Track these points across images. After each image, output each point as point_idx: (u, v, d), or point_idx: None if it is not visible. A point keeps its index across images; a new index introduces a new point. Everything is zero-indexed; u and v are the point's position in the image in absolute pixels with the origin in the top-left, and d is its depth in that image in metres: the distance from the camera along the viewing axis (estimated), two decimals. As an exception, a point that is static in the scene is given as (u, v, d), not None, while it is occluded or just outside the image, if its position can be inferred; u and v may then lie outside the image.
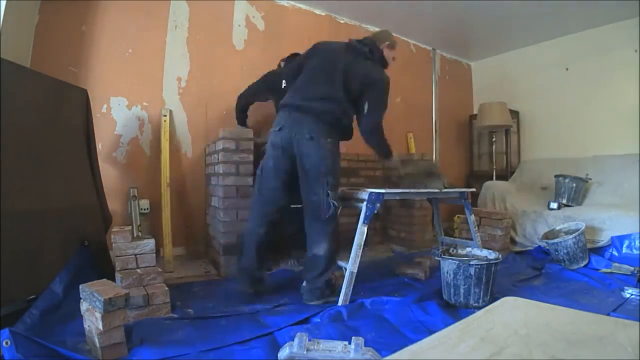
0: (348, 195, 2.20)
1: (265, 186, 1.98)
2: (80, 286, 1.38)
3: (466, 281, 1.84)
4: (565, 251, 2.65)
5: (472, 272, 1.83)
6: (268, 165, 1.97)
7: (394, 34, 4.28)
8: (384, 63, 2.12)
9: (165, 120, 2.76)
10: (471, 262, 1.85)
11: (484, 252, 2.13)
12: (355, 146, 3.58)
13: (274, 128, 1.97)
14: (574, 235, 2.65)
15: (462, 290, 1.86)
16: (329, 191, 1.86)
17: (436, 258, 1.98)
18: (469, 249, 2.19)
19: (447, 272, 1.90)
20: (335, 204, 1.89)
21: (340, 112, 1.91)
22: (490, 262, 1.88)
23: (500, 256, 1.98)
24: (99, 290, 1.29)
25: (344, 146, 2.10)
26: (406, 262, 2.71)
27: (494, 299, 1.81)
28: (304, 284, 1.96)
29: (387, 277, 2.43)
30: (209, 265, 2.65)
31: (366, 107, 1.93)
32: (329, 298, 1.92)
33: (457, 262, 1.86)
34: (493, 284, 1.89)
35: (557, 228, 2.93)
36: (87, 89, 2.27)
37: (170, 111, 2.84)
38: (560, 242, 2.67)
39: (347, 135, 2.04)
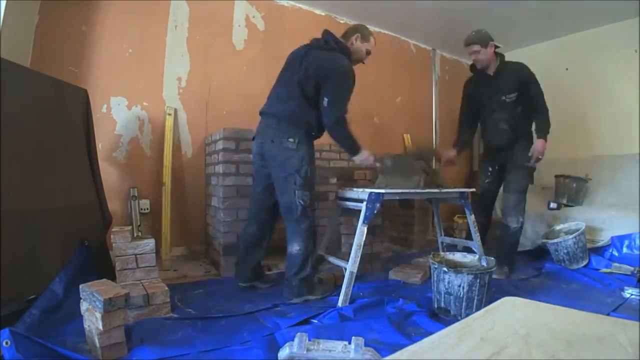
0: (347, 195, 2.20)
1: (253, 191, 2.20)
2: (80, 286, 1.38)
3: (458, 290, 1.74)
4: (565, 251, 2.65)
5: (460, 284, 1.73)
6: (253, 171, 2.19)
7: (393, 34, 4.29)
8: (348, 54, 2.06)
9: (169, 120, 2.76)
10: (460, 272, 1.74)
11: (470, 257, 2.01)
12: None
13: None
14: (574, 235, 2.65)
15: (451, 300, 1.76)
16: (296, 190, 1.90)
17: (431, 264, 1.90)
18: (462, 255, 2.06)
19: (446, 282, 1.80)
20: (302, 202, 1.91)
21: (301, 110, 1.93)
22: (480, 271, 1.75)
23: (494, 264, 1.87)
24: (99, 290, 1.29)
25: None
26: (406, 263, 2.71)
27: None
28: (284, 282, 2.01)
29: (387, 277, 2.43)
30: (209, 265, 2.65)
31: (325, 100, 1.91)
32: (307, 296, 1.95)
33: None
34: (486, 295, 1.76)
35: (557, 228, 2.93)
36: (87, 89, 2.27)
37: (175, 109, 2.84)
38: (561, 242, 2.67)
39: (316, 131, 2.03)
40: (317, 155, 3.30)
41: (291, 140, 1.91)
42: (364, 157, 2.11)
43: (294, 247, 1.94)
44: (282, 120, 1.94)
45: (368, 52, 2.18)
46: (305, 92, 1.93)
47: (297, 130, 1.93)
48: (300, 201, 1.90)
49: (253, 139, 2.09)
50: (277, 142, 1.92)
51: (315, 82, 1.92)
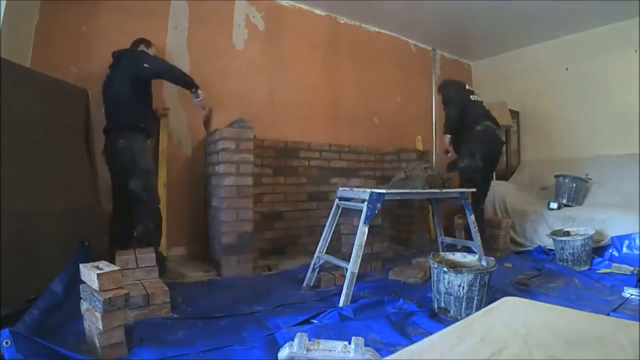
0: (348, 196, 2.20)
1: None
2: (81, 286, 1.38)
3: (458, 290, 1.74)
4: (571, 251, 2.65)
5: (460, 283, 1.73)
6: None
7: (393, 34, 4.29)
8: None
9: (164, 122, 2.75)
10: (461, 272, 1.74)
11: (470, 257, 2.01)
12: (355, 147, 3.59)
13: None
14: (583, 237, 2.65)
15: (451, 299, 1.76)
16: (129, 181, 2.20)
17: (431, 264, 1.90)
18: (462, 255, 2.05)
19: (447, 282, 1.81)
20: (135, 189, 2.20)
21: (121, 107, 2.23)
22: (479, 272, 1.74)
23: (494, 264, 1.86)
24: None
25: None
26: (406, 263, 2.71)
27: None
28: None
29: (387, 277, 2.43)
30: (209, 265, 2.65)
31: (145, 64, 2.23)
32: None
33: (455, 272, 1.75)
34: (486, 295, 1.77)
35: (566, 229, 2.93)
36: (87, 89, 2.27)
37: (169, 111, 2.84)
38: (569, 241, 2.67)
39: (141, 120, 2.30)
40: (317, 155, 3.32)
41: (121, 141, 2.20)
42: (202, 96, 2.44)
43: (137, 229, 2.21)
44: (116, 126, 2.26)
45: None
46: (122, 93, 2.24)
47: (127, 130, 2.24)
48: (134, 189, 2.20)
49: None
50: (114, 144, 2.23)
51: (131, 72, 2.25)
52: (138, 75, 2.25)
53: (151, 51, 2.46)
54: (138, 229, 2.22)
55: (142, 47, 2.44)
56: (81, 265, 1.36)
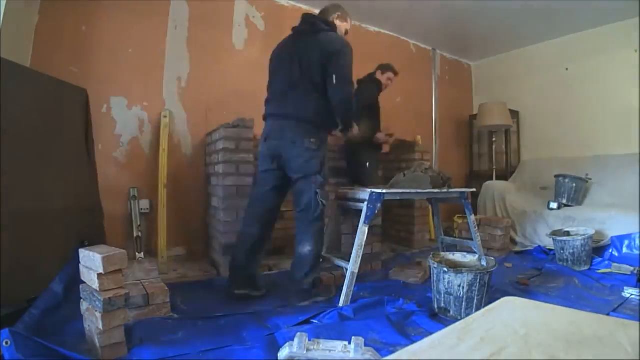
0: (348, 195, 2.20)
1: (257, 190, 2.10)
2: (81, 286, 1.38)
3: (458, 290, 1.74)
4: (571, 251, 2.65)
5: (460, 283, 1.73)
6: (259, 172, 2.11)
7: (393, 34, 4.29)
8: (334, 31, 2.05)
9: (165, 123, 2.76)
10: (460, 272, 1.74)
11: (470, 257, 2.01)
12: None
13: (261, 138, 2.09)
14: (583, 237, 2.65)
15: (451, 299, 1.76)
16: (317, 190, 1.91)
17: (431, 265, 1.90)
18: (462, 255, 2.05)
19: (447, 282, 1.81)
20: (325, 202, 1.95)
21: (317, 107, 1.91)
22: (479, 272, 1.74)
23: (494, 264, 1.86)
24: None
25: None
26: (406, 263, 2.71)
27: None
28: (293, 284, 2.00)
29: (387, 277, 2.43)
30: (208, 265, 2.65)
31: (333, 78, 1.88)
32: (317, 297, 1.96)
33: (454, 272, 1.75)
34: (486, 295, 1.77)
35: (566, 229, 2.93)
36: (87, 89, 2.28)
37: (170, 112, 2.84)
38: (569, 240, 2.67)
39: (331, 122, 2.01)
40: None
41: (313, 140, 1.90)
42: (356, 131, 2.18)
43: (306, 248, 1.93)
44: (301, 121, 1.91)
45: (346, 32, 2.15)
46: (313, 83, 1.89)
47: (317, 130, 1.94)
48: (322, 201, 1.92)
49: (265, 140, 2.03)
50: (300, 142, 1.89)
51: (321, 66, 1.88)
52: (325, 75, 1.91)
53: (345, 26, 2.15)
54: (306, 247, 1.95)
55: (335, 17, 2.10)
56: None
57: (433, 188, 2.26)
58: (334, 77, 1.88)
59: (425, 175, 2.30)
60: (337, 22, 2.09)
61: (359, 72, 3.94)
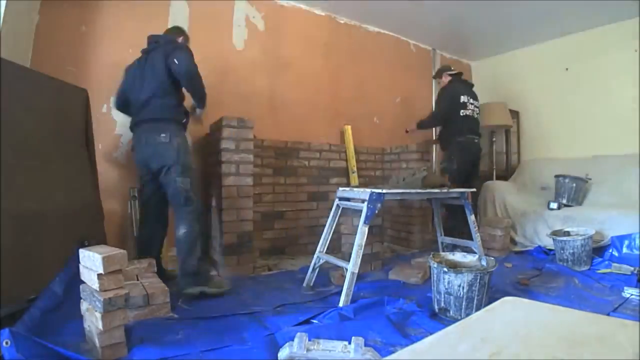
0: (348, 195, 2.20)
1: (146, 197, 2.26)
2: (81, 286, 1.38)
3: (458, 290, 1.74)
4: (571, 251, 2.65)
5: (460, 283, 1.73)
6: (141, 181, 2.26)
7: (393, 34, 4.30)
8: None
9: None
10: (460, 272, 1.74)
11: (470, 257, 2.00)
12: (355, 147, 3.58)
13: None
14: (583, 237, 2.65)
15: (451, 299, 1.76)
16: (176, 178, 2.04)
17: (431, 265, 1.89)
18: (462, 255, 2.05)
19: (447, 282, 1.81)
20: (183, 186, 2.04)
21: (164, 103, 2.08)
22: (479, 272, 1.74)
23: (494, 264, 1.85)
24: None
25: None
26: (406, 263, 2.71)
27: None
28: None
29: (387, 277, 2.43)
30: (209, 265, 2.65)
31: (175, 61, 2.04)
32: (204, 288, 1.96)
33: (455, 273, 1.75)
34: (486, 295, 1.77)
35: (566, 229, 2.93)
36: (87, 89, 2.27)
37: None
38: (569, 240, 2.67)
39: (179, 115, 2.17)
40: (317, 155, 3.32)
41: (163, 135, 2.05)
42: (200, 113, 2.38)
43: (180, 230, 2.03)
44: (151, 120, 2.08)
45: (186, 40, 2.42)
46: (161, 83, 2.08)
47: (167, 123, 2.08)
48: (182, 186, 2.05)
49: (132, 149, 2.22)
50: (152, 140, 2.05)
51: (164, 65, 2.07)
52: (169, 66, 2.07)
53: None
54: (180, 230, 2.02)
55: (182, 40, 2.33)
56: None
57: (433, 188, 2.26)
58: (175, 60, 2.04)
59: (420, 175, 2.30)
60: (182, 39, 2.36)
61: (359, 71, 3.97)
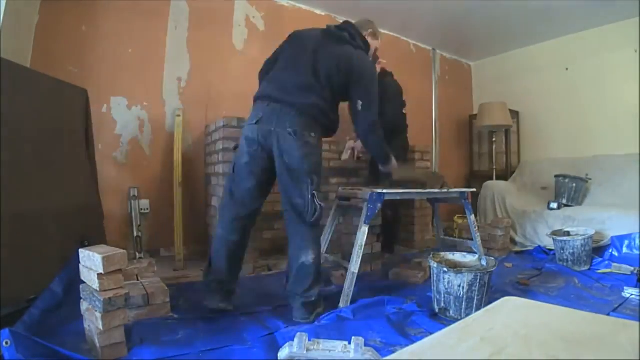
0: (348, 195, 2.20)
1: (238, 187, 1.74)
2: (81, 286, 1.38)
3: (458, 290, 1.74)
4: (571, 251, 2.65)
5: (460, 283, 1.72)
6: (241, 162, 1.74)
7: (394, 34, 4.29)
8: (367, 50, 1.93)
9: (178, 122, 2.76)
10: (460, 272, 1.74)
11: (470, 257, 2.00)
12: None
13: (249, 121, 1.74)
14: (583, 237, 2.65)
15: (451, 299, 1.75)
16: (314, 191, 1.65)
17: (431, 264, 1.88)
18: (462, 255, 2.04)
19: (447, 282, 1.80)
20: (322, 205, 1.68)
21: (325, 105, 1.72)
22: (479, 272, 1.74)
23: (494, 264, 1.84)
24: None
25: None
26: (406, 263, 2.71)
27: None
28: (294, 299, 1.69)
29: (387, 277, 2.43)
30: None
31: (359, 104, 1.73)
32: (318, 311, 1.71)
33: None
34: (486, 295, 1.77)
35: (566, 229, 2.92)
36: (87, 89, 2.27)
37: (182, 110, 2.84)
38: (569, 240, 2.67)
39: (332, 129, 1.83)
40: (317, 155, 3.31)
41: (313, 135, 1.68)
42: (395, 167, 2.04)
43: (309, 256, 1.66)
44: (303, 111, 1.66)
45: (376, 50, 2.05)
46: (332, 88, 1.73)
47: (317, 125, 1.72)
48: (320, 203, 1.66)
49: (255, 123, 1.69)
50: (300, 134, 1.63)
51: (345, 80, 1.73)
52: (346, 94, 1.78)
53: (375, 44, 2.08)
54: (309, 255, 1.69)
55: (368, 34, 2.00)
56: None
57: (433, 188, 2.26)
58: (359, 103, 1.73)
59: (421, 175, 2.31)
60: (369, 39, 1.97)
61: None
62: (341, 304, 1.83)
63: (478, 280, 1.71)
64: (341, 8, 3.64)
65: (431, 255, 1.94)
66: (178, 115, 2.77)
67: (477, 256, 2.01)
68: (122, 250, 1.31)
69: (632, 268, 2.45)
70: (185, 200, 2.90)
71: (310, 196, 1.64)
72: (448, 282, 1.75)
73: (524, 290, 2.15)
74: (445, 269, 1.76)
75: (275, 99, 1.69)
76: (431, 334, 0.74)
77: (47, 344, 1.14)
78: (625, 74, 3.61)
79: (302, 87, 1.69)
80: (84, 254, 1.33)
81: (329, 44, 1.78)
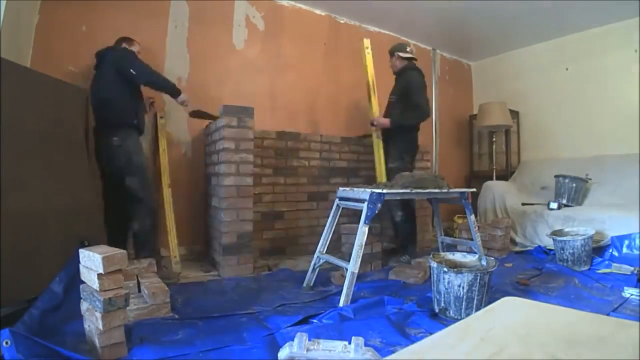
0: (348, 195, 2.20)
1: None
2: (81, 286, 1.38)
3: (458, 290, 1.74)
4: (571, 251, 2.65)
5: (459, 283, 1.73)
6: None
7: (393, 34, 4.29)
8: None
9: (162, 124, 2.76)
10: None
11: (470, 257, 2.00)
12: (355, 147, 3.59)
13: None
14: (583, 237, 2.65)
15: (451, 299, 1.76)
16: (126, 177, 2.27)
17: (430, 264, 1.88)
18: (462, 255, 2.04)
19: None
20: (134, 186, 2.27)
21: (111, 105, 2.26)
22: (479, 272, 1.74)
23: (494, 264, 1.85)
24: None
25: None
26: (406, 263, 2.71)
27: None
28: None
29: (387, 277, 2.43)
30: (209, 265, 2.65)
31: (131, 70, 2.26)
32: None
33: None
34: (486, 295, 1.77)
35: (566, 229, 2.92)
36: (87, 89, 2.28)
37: (166, 113, 2.84)
38: (569, 241, 2.67)
39: (133, 117, 2.35)
40: (317, 155, 3.32)
41: (115, 139, 2.25)
42: (184, 99, 2.49)
43: (135, 226, 2.30)
44: (105, 125, 2.29)
45: (138, 52, 2.49)
46: (112, 89, 2.27)
47: (117, 129, 2.28)
48: (131, 185, 2.27)
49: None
50: (108, 144, 2.26)
51: (116, 73, 2.29)
52: (125, 76, 2.28)
53: (134, 48, 2.45)
54: (135, 226, 2.30)
55: (124, 45, 2.42)
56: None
57: (433, 188, 2.26)
58: (132, 71, 2.29)
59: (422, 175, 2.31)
60: (125, 44, 2.45)
61: (359, 71, 3.97)
62: (341, 304, 1.83)
63: (478, 280, 1.71)
64: (341, 8, 3.65)
65: (431, 255, 1.94)
66: (161, 117, 2.77)
67: (477, 256, 2.01)
68: (121, 251, 1.31)
69: (632, 268, 2.45)
70: (184, 200, 2.91)
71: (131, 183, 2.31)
72: (448, 282, 1.75)
73: (524, 290, 2.15)
74: (445, 269, 1.76)
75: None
76: (431, 334, 0.74)
77: (47, 344, 1.14)
78: (626, 74, 3.61)
79: (100, 104, 2.33)
80: (84, 254, 1.33)
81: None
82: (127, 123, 2.33)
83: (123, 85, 2.30)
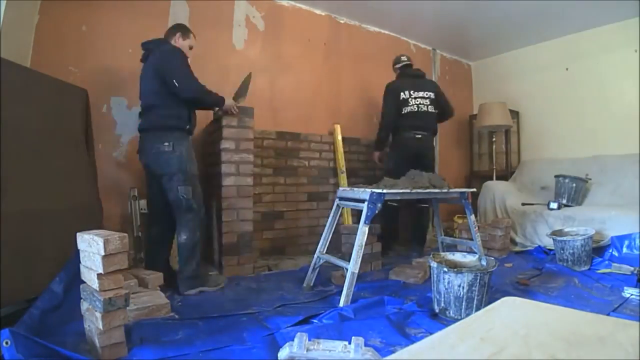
0: (348, 195, 2.20)
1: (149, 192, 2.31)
2: (81, 286, 1.38)
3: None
4: (570, 251, 2.65)
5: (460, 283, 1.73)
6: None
7: (393, 34, 4.30)
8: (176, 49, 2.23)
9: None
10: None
11: (470, 257, 2.00)
12: (355, 147, 3.59)
13: None
14: (583, 237, 2.64)
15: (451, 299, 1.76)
16: (178, 187, 2.09)
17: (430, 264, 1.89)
18: (462, 255, 2.04)
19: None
20: (185, 195, 2.09)
21: (163, 111, 2.11)
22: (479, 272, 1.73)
23: (494, 264, 1.85)
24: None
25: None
26: (406, 263, 2.71)
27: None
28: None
29: (387, 277, 2.43)
30: (209, 265, 2.65)
31: (174, 82, 2.08)
32: (202, 287, 2.10)
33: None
34: (486, 295, 1.77)
35: (566, 229, 2.92)
36: (87, 89, 2.27)
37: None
38: (569, 241, 2.67)
39: (182, 123, 2.17)
40: (316, 155, 3.32)
41: (167, 144, 2.09)
42: (230, 104, 2.39)
43: (181, 237, 2.11)
44: (153, 129, 2.13)
45: (190, 48, 2.37)
46: (159, 94, 2.11)
47: (168, 133, 2.12)
48: (183, 195, 2.10)
49: (138, 153, 2.25)
50: (156, 149, 2.10)
51: (160, 74, 2.10)
52: (168, 86, 2.11)
53: (187, 42, 2.32)
54: (182, 237, 2.10)
55: (177, 39, 2.26)
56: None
57: (433, 188, 2.26)
58: (173, 80, 2.09)
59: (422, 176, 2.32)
60: (180, 41, 2.30)
61: (359, 71, 3.97)
62: (341, 304, 1.83)
63: (478, 280, 1.71)
64: (341, 8, 3.64)
65: (431, 255, 1.94)
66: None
67: (477, 256, 2.01)
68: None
69: (632, 268, 2.45)
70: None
71: (176, 191, 2.11)
72: (448, 282, 1.75)
73: (524, 290, 2.15)
74: (445, 269, 1.76)
75: (140, 130, 2.28)
76: (431, 334, 0.74)
77: (47, 344, 1.14)
78: (625, 74, 3.61)
79: (144, 110, 2.22)
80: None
81: (145, 64, 2.27)
82: (178, 127, 2.16)
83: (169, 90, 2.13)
